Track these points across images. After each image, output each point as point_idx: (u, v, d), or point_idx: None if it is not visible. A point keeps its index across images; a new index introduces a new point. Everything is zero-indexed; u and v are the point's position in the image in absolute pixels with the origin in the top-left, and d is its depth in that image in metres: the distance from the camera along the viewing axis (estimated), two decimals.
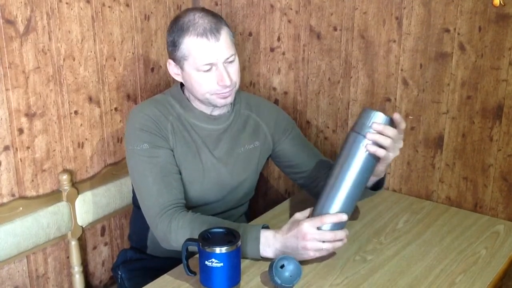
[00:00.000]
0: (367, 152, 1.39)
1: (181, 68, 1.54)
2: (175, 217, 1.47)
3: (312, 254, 1.39)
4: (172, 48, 1.53)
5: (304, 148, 1.77)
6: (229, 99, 1.57)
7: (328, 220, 1.39)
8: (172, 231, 1.46)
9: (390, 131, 1.38)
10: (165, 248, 1.52)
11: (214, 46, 1.49)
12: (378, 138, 1.38)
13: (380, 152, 1.39)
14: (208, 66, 1.50)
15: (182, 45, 1.50)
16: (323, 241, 1.38)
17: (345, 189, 1.41)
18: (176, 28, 1.52)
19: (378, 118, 1.38)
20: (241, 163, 1.67)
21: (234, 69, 1.54)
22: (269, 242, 1.42)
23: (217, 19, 1.52)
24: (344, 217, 1.40)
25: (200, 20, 1.49)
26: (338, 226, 1.40)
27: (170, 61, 1.57)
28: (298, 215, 1.43)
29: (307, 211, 1.44)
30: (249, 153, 1.69)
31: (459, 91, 1.74)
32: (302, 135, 1.81)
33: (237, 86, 1.58)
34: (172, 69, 1.58)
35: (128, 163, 1.59)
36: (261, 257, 1.44)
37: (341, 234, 1.40)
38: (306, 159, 1.75)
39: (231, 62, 1.53)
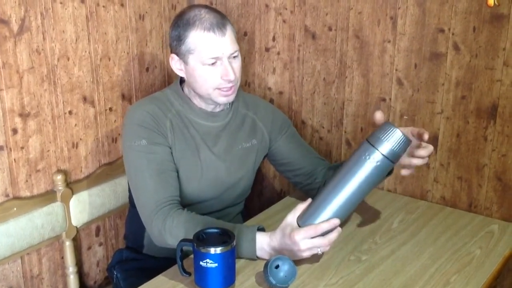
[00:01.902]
0: (377, 165, 1.35)
1: (185, 62, 1.55)
2: (171, 215, 1.47)
3: (308, 256, 1.40)
4: (177, 42, 1.54)
5: (299, 146, 1.77)
6: (231, 97, 1.58)
7: (322, 229, 1.36)
8: (167, 229, 1.46)
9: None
10: (162, 247, 1.52)
11: (220, 41, 1.51)
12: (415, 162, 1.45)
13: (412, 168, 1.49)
14: (213, 60, 1.51)
15: (188, 39, 1.52)
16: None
17: (346, 195, 1.38)
18: (181, 23, 1.53)
19: (395, 136, 1.34)
20: (238, 161, 1.67)
21: (237, 65, 1.56)
22: (264, 246, 1.43)
23: (222, 15, 1.55)
24: (336, 222, 1.37)
25: (206, 15, 1.51)
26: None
27: (173, 56, 1.58)
28: (290, 218, 1.40)
29: (298, 209, 1.42)
30: (246, 151, 1.69)
31: (454, 91, 1.74)
32: (297, 134, 1.82)
33: (239, 83, 1.59)
34: (175, 64, 1.59)
35: (125, 159, 1.58)
36: (257, 257, 1.44)
37: (334, 236, 1.38)
38: (301, 157, 1.75)
39: (235, 57, 1.55)
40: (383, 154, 1.34)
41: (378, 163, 1.35)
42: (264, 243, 1.42)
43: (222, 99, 1.57)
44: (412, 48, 1.78)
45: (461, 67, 1.71)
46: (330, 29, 1.92)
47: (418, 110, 1.82)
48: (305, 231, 1.36)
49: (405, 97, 1.83)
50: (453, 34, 1.70)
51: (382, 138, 1.35)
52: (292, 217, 1.40)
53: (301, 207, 1.42)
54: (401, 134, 1.34)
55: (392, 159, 1.36)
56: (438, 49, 1.73)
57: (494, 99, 1.68)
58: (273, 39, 2.06)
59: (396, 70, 1.83)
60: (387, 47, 1.82)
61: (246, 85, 2.17)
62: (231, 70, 1.52)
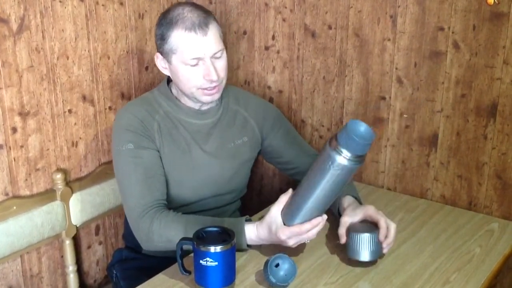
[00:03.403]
0: (338, 172, 1.26)
1: (169, 61, 1.55)
2: (157, 217, 1.48)
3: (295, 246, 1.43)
4: (161, 41, 1.54)
5: (294, 143, 1.77)
6: (216, 96, 1.57)
7: (306, 229, 1.36)
8: (155, 231, 1.46)
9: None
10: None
11: (202, 41, 1.49)
12: None
13: None
14: (195, 60, 1.51)
15: (170, 39, 1.51)
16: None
17: (320, 197, 1.32)
18: (165, 22, 1.53)
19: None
20: (231, 158, 1.67)
21: (221, 65, 1.54)
22: (252, 237, 1.45)
23: (206, 14, 1.53)
24: (318, 221, 1.36)
25: (189, 14, 1.50)
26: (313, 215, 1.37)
27: (158, 54, 1.58)
28: (274, 212, 1.39)
29: (282, 202, 1.39)
30: (238, 148, 1.69)
31: (454, 90, 1.74)
32: (292, 130, 1.80)
33: (224, 82, 1.58)
34: (160, 62, 1.59)
35: (114, 163, 1.59)
36: (248, 246, 1.46)
37: (316, 221, 1.37)
38: (298, 156, 1.75)
39: (218, 57, 1.54)
40: (347, 158, 1.23)
41: (342, 170, 1.25)
42: (252, 234, 1.45)
43: (206, 98, 1.57)
44: (412, 46, 1.78)
45: (461, 66, 1.71)
46: (329, 27, 1.92)
47: (418, 108, 1.82)
48: (290, 231, 1.37)
49: (405, 95, 1.83)
50: (453, 32, 1.70)
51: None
52: (276, 210, 1.39)
53: (284, 199, 1.40)
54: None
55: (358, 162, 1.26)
56: (438, 48, 1.73)
57: (494, 98, 1.68)
58: (273, 37, 2.06)
59: (396, 68, 1.82)
60: (387, 46, 1.82)
61: (245, 83, 2.17)
62: (213, 71, 1.51)
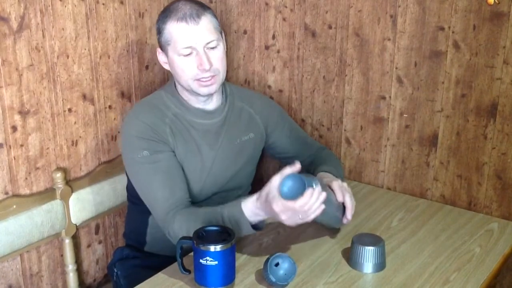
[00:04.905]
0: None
1: (166, 54, 1.57)
2: (178, 213, 1.48)
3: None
4: (158, 35, 1.57)
5: (298, 138, 1.79)
6: (213, 88, 1.56)
7: (298, 205, 1.33)
8: (176, 232, 1.46)
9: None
10: (164, 245, 1.53)
11: (193, 30, 1.50)
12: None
13: None
14: (187, 50, 1.51)
15: (164, 31, 1.54)
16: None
17: None
18: (161, 16, 1.56)
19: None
20: (237, 155, 1.68)
21: (216, 55, 1.54)
22: (254, 211, 1.38)
23: (200, 6, 1.55)
24: (309, 193, 1.34)
25: (182, 6, 1.53)
26: None
27: (158, 49, 1.60)
28: (274, 180, 1.34)
29: (286, 172, 1.36)
30: (245, 145, 1.70)
31: (454, 89, 1.74)
32: (295, 125, 1.83)
33: (222, 74, 1.57)
34: (160, 57, 1.61)
35: (129, 172, 1.59)
36: (254, 226, 1.41)
37: (307, 194, 1.33)
38: (302, 149, 1.78)
39: (213, 48, 1.53)
40: None
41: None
42: (252, 209, 1.38)
43: (203, 90, 1.56)
44: (412, 46, 1.78)
45: (461, 65, 1.71)
46: (330, 27, 1.92)
47: (418, 108, 1.82)
48: (283, 204, 1.31)
49: (405, 95, 1.83)
50: (453, 32, 1.70)
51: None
52: (276, 180, 1.34)
53: (288, 170, 1.35)
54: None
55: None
56: (438, 47, 1.73)
57: (494, 98, 1.68)
58: (273, 37, 2.06)
59: (396, 68, 1.82)
60: (387, 45, 1.82)
61: (245, 83, 2.17)
62: (205, 60, 1.51)
